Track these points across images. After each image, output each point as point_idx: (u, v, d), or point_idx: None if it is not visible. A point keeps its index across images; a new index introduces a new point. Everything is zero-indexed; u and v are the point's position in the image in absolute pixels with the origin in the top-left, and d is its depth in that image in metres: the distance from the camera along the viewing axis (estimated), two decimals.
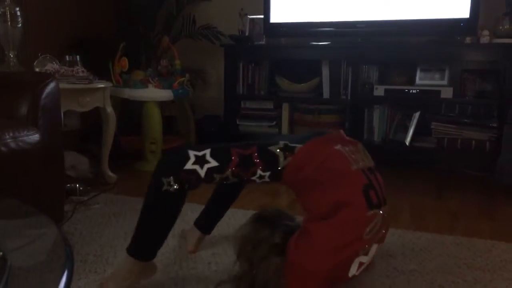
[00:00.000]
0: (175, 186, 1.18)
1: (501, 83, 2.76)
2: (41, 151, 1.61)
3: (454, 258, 1.59)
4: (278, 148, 1.16)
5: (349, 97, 3.08)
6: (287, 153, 1.15)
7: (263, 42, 3.31)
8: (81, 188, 2.20)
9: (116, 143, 2.66)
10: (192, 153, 1.19)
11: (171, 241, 1.73)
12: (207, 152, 1.19)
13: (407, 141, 2.94)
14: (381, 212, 1.15)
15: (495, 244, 1.73)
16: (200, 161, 1.18)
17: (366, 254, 1.15)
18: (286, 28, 3.19)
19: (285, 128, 3.30)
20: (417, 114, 2.94)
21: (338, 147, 1.16)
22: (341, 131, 1.27)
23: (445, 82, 2.89)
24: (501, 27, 2.68)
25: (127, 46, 2.89)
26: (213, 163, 1.18)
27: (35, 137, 1.59)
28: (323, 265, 1.14)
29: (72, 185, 2.20)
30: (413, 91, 2.89)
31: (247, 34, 3.31)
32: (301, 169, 1.14)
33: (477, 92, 2.84)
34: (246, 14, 3.31)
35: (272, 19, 3.18)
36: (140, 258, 1.29)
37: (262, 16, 3.22)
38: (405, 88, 2.92)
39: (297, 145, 1.15)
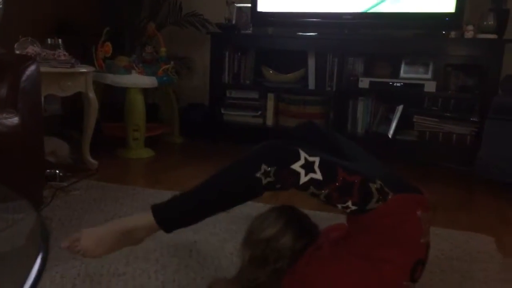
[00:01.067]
0: (270, 179, 1.07)
1: (483, 78, 2.80)
2: (20, 134, 1.58)
3: (432, 249, 1.59)
4: (376, 189, 1.10)
5: (334, 89, 3.08)
6: (380, 197, 1.09)
7: (249, 31, 3.29)
8: (61, 174, 2.17)
9: (98, 129, 2.62)
10: (303, 155, 1.09)
11: None
12: (317, 160, 1.09)
13: (390, 133, 2.97)
14: (413, 286, 1.16)
15: (473, 235, 1.76)
16: (308, 167, 1.08)
17: None
18: (273, 17, 3.17)
19: (270, 118, 3.30)
20: (400, 107, 2.97)
21: (419, 213, 1.13)
22: (425, 195, 1.22)
23: (428, 76, 2.91)
24: (485, 23, 2.71)
25: (111, 31, 2.84)
26: (318, 176, 1.08)
27: (14, 120, 1.55)
28: None
29: (52, 170, 2.16)
30: (397, 84, 2.91)
31: (233, 22, 3.29)
32: (382, 219, 1.12)
33: (459, 87, 2.87)
34: (233, 2, 3.29)
35: (259, 8, 3.17)
36: (161, 225, 1.15)
37: (249, 5, 3.20)
38: (390, 81, 2.94)
39: (390, 192, 1.10)
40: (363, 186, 1.09)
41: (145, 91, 2.90)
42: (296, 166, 1.06)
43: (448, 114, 2.86)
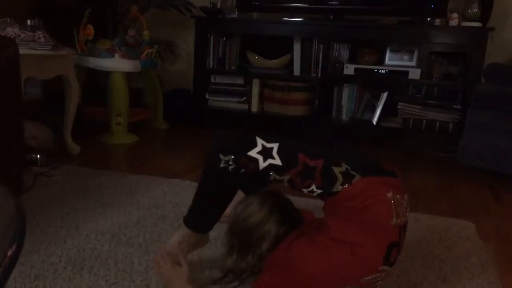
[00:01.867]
0: (233, 166, 1.10)
1: (467, 66, 2.82)
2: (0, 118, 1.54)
3: (414, 234, 1.63)
4: (340, 172, 1.11)
5: (319, 75, 3.08)
6: (345, 180, 1.11)
7: (235, 16, 3.25)
8: (42, 159, 2.13)
9: (80, 114, 2.57)
10: (260, 142, 1.12)
11: (135, 214, 1.70)
12: (275, 146, 1.12)
13: (374, 120, 2.99)
14: (389, 270, 1.18)
15: (454, 221, 1.79)
16: (266, 153, 1.11)
17: None
18: (258, 2, 3.14)
19: (254, 105, 3.28)
20: (385, 94, 2.98)
21: (390, 195, 1.13)
22: (399, 177, 1.22)
23: (413, 63, 2.93)
24: (470, 11, 2.72)
25: (93, 13, 2.78)
26: (277, 161, 1.11)
27: None
28: (304, 279, 1.16)
29: (33, 155, 2.12)
30: (382, 71, 2.92)
31: (218, 6, 3.24)
32: (349, 201, 1.13)
33: (443, 74, 2.90)
34: None
35: None
36: (196, 230, 1.26)
37: None
38: (375, 67, 2.94)
39: (356, 174, 1.11)
40: (326, 170, 1.11)
41: (129, 75, 2.86)
42: (253, 153, 1.10)
43: (431, 102, 2.88)
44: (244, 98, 3.30)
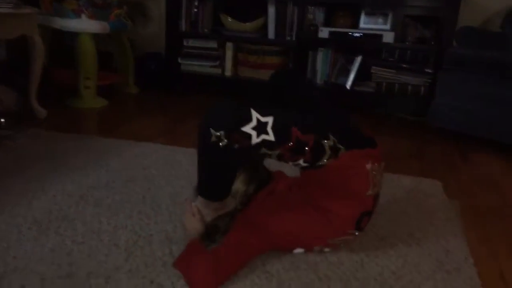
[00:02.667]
0: (224, 142, 1.03)
1: (439, 30, 2.83)
2: None
3: (384, 193, 1.62)
4: (329, 146, 1.10)
5: (294, 39, 3.04)
6: (332, 154, 1.10)
7: None
8: (6, 122, 2.06)
9: (46, 76, 2.48)
10: (255, 115, 1.05)
11: (104, 176, 1.67)
12: (270, 120, 1.05)
13: (348, 84, 2.99)
14: (357, 234, 1.21)
15: (422, 180, 1.82)
16: (260, 128, 1.04)
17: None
18: None
19: (228, 69, 3.23)
20: (359, 58, 2.97)
21: (369, 166, 1.14)
22: (377, 146, 1.21)
23: (387, 26, 2.91)
24: None
25: None
26: (270, 137, 1.05)
27: None
28: (271, 237, 1.17)
29: None
30: (357, 34, 2.90)
31: None
32: (330, 173, 1.13)
33: (417, 38, 2.89)
34: None
35: None
36: (208, 198, 1.19)
37: None
38: (349, 31, 2.91)
39: (341, 147, 1.11)
40: (317, 144, 1.09)
41: (97, 37, 2.75)
42: (247, 128, 1.04)
43: (404, 65, 2.89)
44: (218, 62, 3.24)
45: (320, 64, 3.08)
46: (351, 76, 2.99)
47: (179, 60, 3.26)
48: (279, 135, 1.06)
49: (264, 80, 3.04)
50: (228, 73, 3.25)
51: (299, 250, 1.21)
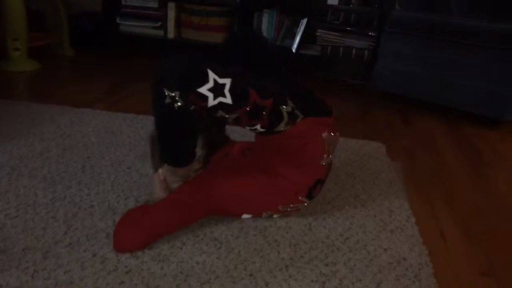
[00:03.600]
0: (179, 104, 0.95)
1: None
2: None
3: None
4: (287, 112, 1.06)
5: None
6: (289, 121, 1.07)
7: None
8: None
9: None
10: (212, 77, 0.96)
11: (38, 145, 1.56)
12: (227, 83, 0.98)
13: (294, 48, 2.96)
14: (306, 204, 1.21)
15: (366, 143, 1.86)
16: (217, 90, 0.97)
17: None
18: None
19: (171, 30, 3.10)
20: (304, 21, 2.94)
21: (325, 134, 1.13)
22: (333, 115, 1.19)
23: None
24: None
25: None
26: (228, 100, 0.98)
27: None
28: (220, 201, 1.15)
29: None
30: None
31: None
32: (286, 140, 1.10)
33: (361, 0, 2.89)
34: None
35: None
36: (173, 165, 1.12)
37: None
38: None
39: (299, 114, 1.07)
40: (274, 110, 1.06)
41: None
42: (204, 90, 0.96)
43: (349, 28, 2.90)
44: (160, 23, 3.09)
45: (266, 26, 3.02)
46: (297, 39, 2.96)
47: (118, 20, 3.08)
48: (236, 98, 1.00)
49: (208, 42, 2.99)
50: (170, 35, 3.11)
51: (246, 216, 1.20)
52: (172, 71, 0.96)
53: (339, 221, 1.25)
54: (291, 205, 1.20)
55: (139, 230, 1.05)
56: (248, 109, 1.02)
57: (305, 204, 1.21)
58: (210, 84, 0.97)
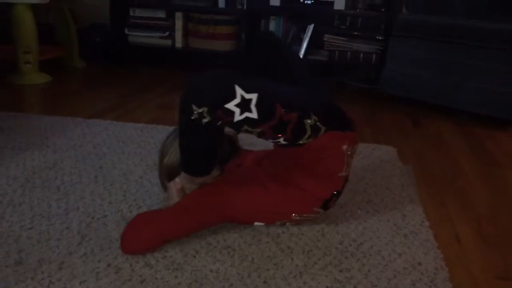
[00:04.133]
0: (207, 120, 0.97)
1: None
2: None
3: None
4: (310, 125, 1.07)
5: (245, 7, 2.96)
6: (312, 134, 1.07)
7: None
8: None
9: None
10: (239, 92, 0.98)
11: (51, 156, 1.58)
12: (254, 98, 0.99)
13: (301, 53, 2.96)
14: (322, 212, 1.20)
15: (377, 147, 1.85)
16: (244, 106, 0.99)
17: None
18: None
19: (179, 40, 3.12)
20: (311, 27, 2.94)
21: (345, 147, 1.13)
22: (356, 130, 1.20)
23: None
24: None
25: None
26: (254, 115, 1.00)
27: None
28: (234, 211, 1.15)
29: None
30: (308, 1, 2.87)
31: None
32: (307, 153, 1.11)
33: (367, 5, 2.90)
34: None
35: None
36: (194, 175, 1.13)
37: None
38: None
39: (322, 127, 1.08)
40: (299, 124, 1.06)
41: (36, 9, 2.56)
42: (231, 105, 0.98)
43: (356, 33, 2.89)
44: (167, 33, 3.12)
45: None
46: (304, 45, 2.96)
47: (126, 31, 3.11)
48: (262, 113, 1.01)
49: (216, 51, 3.01)
50: (178, 44, 3.14)
51: (259, 224, 1.20)
52: (200, 87, 0.99)
53: (351, 226, 1.24)
54: (305, 215, 1.19)
55: (146, 232, 1.06)
56: (273, 124, 1.03)
57: (321, 213, 1.20)
58: (237, 100, 0.98)
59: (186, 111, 0.98)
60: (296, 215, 1.18)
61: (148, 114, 2.13)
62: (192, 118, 0.97)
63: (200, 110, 0.96)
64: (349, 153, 1.15)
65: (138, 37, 3.13)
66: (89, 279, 0.97)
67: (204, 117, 0.97)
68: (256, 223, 1.20)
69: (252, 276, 1.01)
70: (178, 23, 3.10)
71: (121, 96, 2.44)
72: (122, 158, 1.61)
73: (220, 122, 0.99)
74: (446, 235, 1.23)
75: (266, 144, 1.26)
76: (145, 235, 1.06)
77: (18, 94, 2.39)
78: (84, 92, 2.52)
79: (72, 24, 2.96)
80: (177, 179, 1.17)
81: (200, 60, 3.09)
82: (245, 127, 1.03)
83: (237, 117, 0.99)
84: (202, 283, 0.98)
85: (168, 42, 3.14)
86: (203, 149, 1.07)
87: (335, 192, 1.18)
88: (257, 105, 1.00)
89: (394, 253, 1.13)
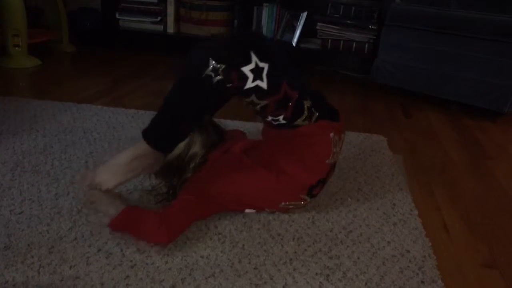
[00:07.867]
0: (220, 78, 0.95)
1: None
2: None
3: None
4: (307, 107, 1.06)
5: None
6: (308, 116, 1.07)
7: None
8: None
9: None
10: (254, 58, 0.97)
11: (41, 140, 1.57)
12: (266, 67, 0.98)
13: (294, 42, 2.96)
14: (309, 200, 1.21)
15: (368, 136, 1.86)
16: (257, 73, 0.98)
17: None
18: None
19: (170, 25, 3.09)
20: (304, 14, 2.94)
21: (332, 135, 1.13)
22: (341, 120, 1.20)
23: None
24: None
25: None
26: (264, 85, 0.99)
27: None
28: (223, 200, 1.15)
29: None
30: None
31: None
32: (297, 137, 1.11)
33: None
34: None
35: None
36: (157, 147, 1.09)
37: None
38: None
39: (315, 113, 1.08)
40: (298, 102, 1.06)
41: None
42: (247, 70, 0.97)
43: (349, 22, 2.89)
44: (159, 18, 3.08)
45: (266, 20, 3.02)
46: (297, 33, 2.95)
47: (117, 16, 3.07)
48: (271, 84, 1.00)
49: (209, 37, 2.98)
50: (170, 30, 3.11)
51: (250, 210, 1.21)
52: (221, 46, 0.98)
53: (342, 214, 1.25)
54: (292, 202, 1.20)
55: (165, 230, 1.03)
56: (278, 97, 1.02)
57: (308, 200, 1.21)
58: (252, 65, 0.97)
59: (200, 63, 0.96)
60: (284, 203, 1.19)
61: (139, 100, 2.11)
62: (203, 75, 0.95)
63: (218, 66, 0.95)
64: (335, 141, 1.16)
65: (129, 22, 3.10)
66: (79, 264, 0.97)
67: (219, 75, 0.95)
68: (247, 210, 1.20)
69: (243, 262, 1.01)
70: (170, 8, 3.07)
71: (111, 81, 2.42)
72: (112, 143, 1.60)
73: (230, 85, 0.98)
74: (434, 224, 1.25)
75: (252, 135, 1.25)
76: (163, 232, 1.03)
77: (6, 78, 2.36)
78: (74, 77, 2.50)
79: (62, 8, 2.91)
80: (90, 173, 1.12)
81: (192, 46, 3.06)
82: (253, 96, 1.01)
83: (249, 83, 0.98)
84: (193, 268, 0.98)
85: (160, 27, 3.11)
86: (190, 114, 1.04)
87: (320, 179, 1.19)
88: (267, 75, 0.99)
89: (383, 241, 1.14)
